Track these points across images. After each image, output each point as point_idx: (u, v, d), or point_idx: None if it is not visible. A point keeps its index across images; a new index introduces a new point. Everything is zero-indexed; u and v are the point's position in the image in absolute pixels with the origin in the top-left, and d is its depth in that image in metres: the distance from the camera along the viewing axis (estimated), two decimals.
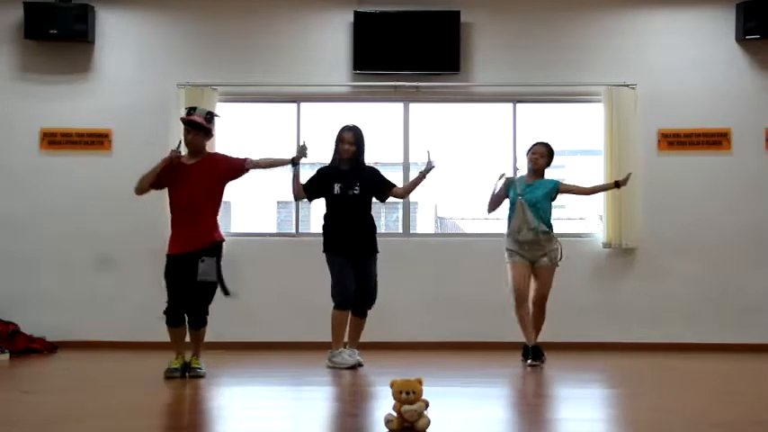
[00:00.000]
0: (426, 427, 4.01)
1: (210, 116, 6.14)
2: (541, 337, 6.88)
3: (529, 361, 6.64)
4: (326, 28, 8.34)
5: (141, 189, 6.10)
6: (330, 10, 8.33)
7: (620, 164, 7.94)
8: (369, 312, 6.66)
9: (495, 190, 6.92)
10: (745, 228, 8.17)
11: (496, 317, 7.99)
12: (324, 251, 6.60)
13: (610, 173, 8.01)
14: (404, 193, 6.92)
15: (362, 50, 8.18)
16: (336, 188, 6.52)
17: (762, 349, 7.88)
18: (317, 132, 8.41)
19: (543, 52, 8.30)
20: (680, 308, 8.09)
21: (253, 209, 13.30)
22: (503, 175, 6.93)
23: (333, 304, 6.49)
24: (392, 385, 4.08)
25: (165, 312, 6.00)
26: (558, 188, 6.89)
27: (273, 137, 8.70)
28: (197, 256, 5.91)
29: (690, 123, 8.26)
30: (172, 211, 6.10)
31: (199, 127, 6.03)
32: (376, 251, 6.64)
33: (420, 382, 4.08)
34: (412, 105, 8.43)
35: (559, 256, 6.81)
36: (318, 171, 6.68)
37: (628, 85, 8.15)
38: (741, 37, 8.17)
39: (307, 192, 6.63)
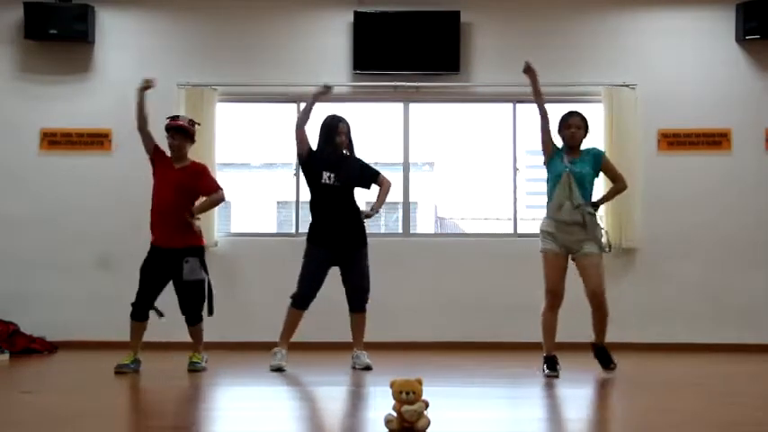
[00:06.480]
0: (426, 428, 4.01)
1: (192, 123, 6.44)
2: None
3: (611, 367, 6.02)
4: (326, 28, 8.34)
5: (139, 126, 6.41)
6: (330, 10, 8.33)
7: (621, 164, 7.89)
8: (369, 312, 6.56)
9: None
10: (744, 228, 8.17)
11: (496, 317, 8.01)
12: (307, 240, 6.44)
13: None
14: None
15: (362, 50, 8.19)
16: (325, 177, 6.38)
17: (762, 349, 7.89)
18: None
19: (543, 52, 8.27)
20: (680, 308, 8.09)
21: (253, 209, 13.34)
22: None
23: (295, 301, 6.42)
24: (392, 385, 4.08)
25: (132, 305, 6.24)
26: (602, 157, 6.22)
27: (273, 137, 8.70)
28: (180, 254, 6.18)
29: (690, 123, 8.27)
30: (152, 208, 6.33)
31: (185, 132, 6.31)
32: (364, 244, 6.47)
33: (420, 383, 4.07)
34: (412, 105, 8.43)
35: (607, 244, 6.08)
36: (310, 152, 6.48)
37: (628, 86, 8.15)
38: (741, 37, 8.17)
39: (305, 154, 6.45)
